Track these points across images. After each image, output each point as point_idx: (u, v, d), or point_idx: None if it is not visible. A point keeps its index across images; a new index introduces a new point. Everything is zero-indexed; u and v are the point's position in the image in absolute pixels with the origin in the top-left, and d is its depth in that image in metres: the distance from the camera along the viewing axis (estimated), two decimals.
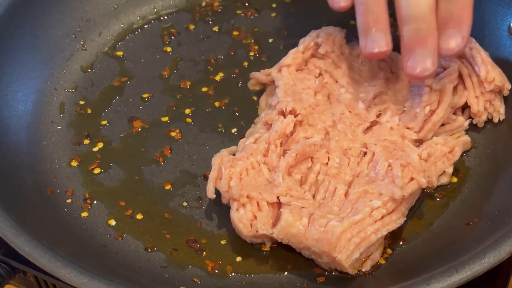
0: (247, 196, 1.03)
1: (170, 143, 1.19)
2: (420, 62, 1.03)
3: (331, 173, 1.06)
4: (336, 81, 1.19)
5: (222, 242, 1.06)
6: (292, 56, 1.21)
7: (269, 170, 1.07)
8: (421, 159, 1.06)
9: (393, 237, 1.04)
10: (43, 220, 1.04)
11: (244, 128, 1.20)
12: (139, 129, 1.21)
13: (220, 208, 1.08)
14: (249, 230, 1.02)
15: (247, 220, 1.02)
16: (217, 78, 1.29)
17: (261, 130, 1.13)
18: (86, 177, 1.15)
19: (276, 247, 1.04)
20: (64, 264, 0.91)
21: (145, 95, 1.27)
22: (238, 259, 1.04)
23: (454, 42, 1.05)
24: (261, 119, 1.16)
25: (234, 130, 1.20)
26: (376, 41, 1.07)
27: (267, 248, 1.04)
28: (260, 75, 1.24)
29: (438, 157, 1.08)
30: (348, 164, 1.08)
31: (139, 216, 1.10)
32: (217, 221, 1.09)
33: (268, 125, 1.13)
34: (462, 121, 1.14)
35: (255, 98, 1.25)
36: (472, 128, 1.16)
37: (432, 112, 1.11)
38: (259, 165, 1.07)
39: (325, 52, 1.21)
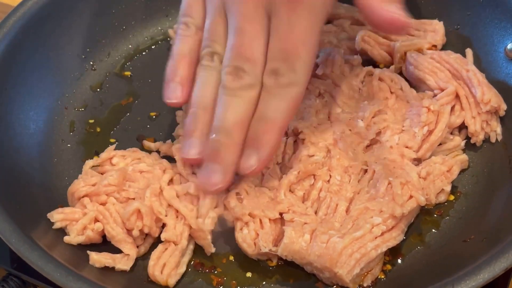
0: (250, 214, 1.06)
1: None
2: (207, 176, 1.03)
3: (332, 190, 1.09)
4: (336, 101, 1.22)
5: (228, 258, 1.09)
6: None
7: (269, 190, 1.11)
8: (420, 178, 1.09)
9: (392, 253, 1.07)
10: (54, 236, 1.07)
11: None
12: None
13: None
14: (253, 249, 1.05)
15: (251, 239, 1.05)
16: None
17: None
18: None
19: (282, 263, 1.07)
20: (75, 278, 0.94)
21: (153, 114, 1.30)
22: (243, 274, 1.07)
23: (248, 162, 1.03)
24: None
25: None
26: (191, 147, 1.06)
27: (273, 263, 1.07)
28: None
29: (436, 175, 1.11)
30: (349, 181, 1.11)
31: None
32: (222, 238, 1.11)
33: None
34: (459, 141, 1.17)
35: None
36: (470, 147, 1.19)
37: (430, 132, 1.14)
38: (255, 186, 1.11)
39: (324, 72, 1.24)
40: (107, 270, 1.04)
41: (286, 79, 1.01)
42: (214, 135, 1.03)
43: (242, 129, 1.02)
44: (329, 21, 1.39)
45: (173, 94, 1.09)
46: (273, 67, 1.01)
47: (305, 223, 1.04)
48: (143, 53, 1.41)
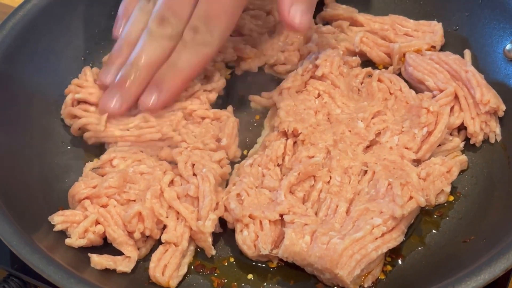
0: (250, 216, 1.06)
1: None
2: (108, 99, 1.18)
3: (332, 191, 1.10)
4: (335, 101, 1.23)
5: (229, 259, 1.09)
6: (292, 79, 1.25)
7: (269, 191, 1.11)
8: (420, 179, 1.09)
9: (393, 254, 1.07)
10: (55, 238, 1.07)
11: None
12: None
13: (224, 227, 1.12)
14: (253, 251, 1.06)
15: (251, 241, 1.06)
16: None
17: (260, 152, 1.17)
18: None
19: (283, 264, 1.07)
20: (76, 281, 0.95)
21: None
22: (244, 276, 1.07)
23: (147, 98, 1.17)
24: (263, 142, 1.20)
25: (245, 152, 1.23)
26: (108, 73, 1.21)
27: (274, 265, 1.08)
28: (260, 99, 1.28)
29: (436, 176, 1.11)
30: (349, 182, 1.11)
31: None
32: (223, 240, 1.12)
33: (266, 148, 1.17)
34: (458, 142, 1.17)
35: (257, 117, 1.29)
36: (469, 148, 1.19)
37: (430, 133, 1.14)
38: (256, 187, 1.11)
39: (323, 73, 1.24)
40: (108, 272, 1.05)
41: (203, 38, 1.14)
42: (125, 68, 1.17)
43: (152, 70, 1.17)
44: (327, 22, 1.40)
45: (116, 29, 1.26)
46: (194, 25, 1.14)
47: (306, 224, 1.04)
48: None
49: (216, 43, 1.16)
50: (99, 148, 1.23)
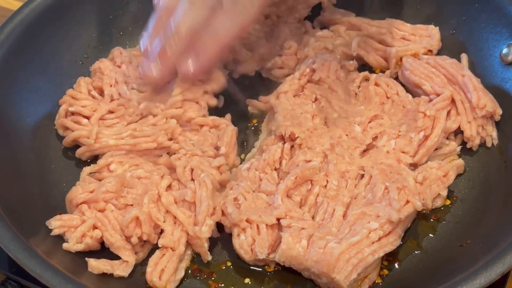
0: (247, 220, 1.07)
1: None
2: (149, 68, 1.20)
3: (329, 195, 1.10)
4: (332, 105, 1.23)
5: (226, 264, 1.10)
6: (289, 83, 1.25)
7: (266, 195, 1.11)
8: (416, 183, 1.10)
9: (389, 258, 1.07)
10: (53, 242, 1.07)
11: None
12: None
13: (222, 231, 1.12)
14: (250, 256, 1.06)
15: (248, 245, 1.06)
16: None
17: (257, 156, 1.17)
18: None
19: (280, 268, 1.08)
20: (74, 285, 0.95)
21: None
22: (241, 280, 1.08)
23: (185, 65, 1.19)
24: (260, 146, 1.20)
25: (243, 156, 1.23)
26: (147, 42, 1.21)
27: (271, 269, 1.08)
28: (258, 103, 1.28)
29: (433, 180, 1.11)
30: (346, 186, 1.11)
31: None
32: (220, 244, 1.12)
33: (263, 152, 1.18)
34: (454, 146, 1.18)
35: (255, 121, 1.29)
36: (465, 152, 1.19)
37: (426, 137, 1.15)
38: (253, 191, 1.11)
39: (320, 77, 1.25)
40: (106, 276, 1.05)
41: (242, 8, 1.17)
42: (165, 37, 1.18)
43: (191, 38, 1.17)
44: (325, 27, 1.40)
45: None
46: None
47: (302, 229, 1.05)
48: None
49: (254, 13, 1.19)
50: None
